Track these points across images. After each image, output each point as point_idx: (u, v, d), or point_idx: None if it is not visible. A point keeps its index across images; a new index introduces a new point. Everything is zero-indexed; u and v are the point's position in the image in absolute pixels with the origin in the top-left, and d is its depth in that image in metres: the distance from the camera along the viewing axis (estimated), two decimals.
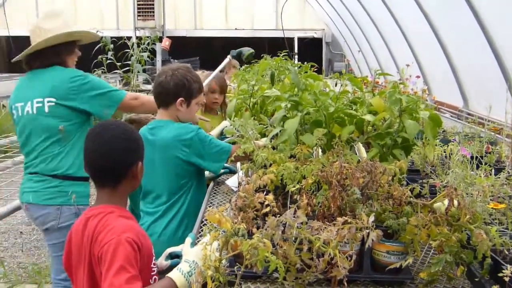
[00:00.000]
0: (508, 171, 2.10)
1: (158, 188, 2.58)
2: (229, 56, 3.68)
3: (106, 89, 2.90)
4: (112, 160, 1.74)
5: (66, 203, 2.80)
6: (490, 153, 2.62)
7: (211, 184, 2.86)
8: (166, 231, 2.55)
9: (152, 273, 1.70)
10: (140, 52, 7.87)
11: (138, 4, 12.63)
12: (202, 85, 2.73)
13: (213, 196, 2.65)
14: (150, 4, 12.63)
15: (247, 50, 3.63)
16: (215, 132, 3.15)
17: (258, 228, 1.45)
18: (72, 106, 2.81)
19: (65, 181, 2.82)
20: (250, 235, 1.40)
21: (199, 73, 3.78)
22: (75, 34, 2.91)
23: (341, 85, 2.36)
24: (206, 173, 2.96)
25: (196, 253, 1.60)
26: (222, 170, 2.92)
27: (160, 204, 2.59)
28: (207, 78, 3.71)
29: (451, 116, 5.46)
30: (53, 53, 2.85)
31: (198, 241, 1.78)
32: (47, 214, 2.82)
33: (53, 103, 2.80)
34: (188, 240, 1.71)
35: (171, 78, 2.56)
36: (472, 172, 2.01)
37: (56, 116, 2.80)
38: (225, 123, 2.93)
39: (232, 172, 2.90)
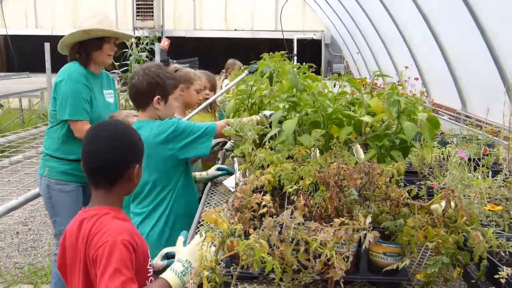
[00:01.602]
0: (505, 173, 2.10)
1: (144, 189, 2.56)
2: (246, 72, 3.62)
3: (66, 97, 3.19)
4: (107, 161, 1.69)
5: (43, 175, 3.35)
6: (487, 155, 2.62)
7: (209, 184, 2.86)
8: (153, 232, 2.53)
9: (148, 274, 1.69)
10: (138, 52, 7.87)
11: (137, 4, 12.63)
12: (177, 80, 2.71)
13: (210, 196, 2.65)
14: (149, 4, 12.62)
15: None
16: None
17: (255, 228, 1.45)
18: (54, 96, 3.30)
19: (45, 157, 3.38)
20: (247, 235, 1.39)
21: (200, 72, 3.78)
22: (91, 32, 3.17)
23: (340, 86, 2.36)
24: (204, 173, 2.96)
25: (189, 252, 1.59)
26: (220, 172, 2.92)
27: (146, 204, 2.57)
28: (209, 77, 3.79)
29: (449, 118, 5.47)
30: (75, 51, 3.27)
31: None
32: (38, 181, 3.45)
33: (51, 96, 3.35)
34: (181, 239, 1.68)
35: (143, 78, 2.53)
36: (469, 174, 2.01)
37: (51, 105, 3.37)
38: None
39: (230, 173, 2.89)
